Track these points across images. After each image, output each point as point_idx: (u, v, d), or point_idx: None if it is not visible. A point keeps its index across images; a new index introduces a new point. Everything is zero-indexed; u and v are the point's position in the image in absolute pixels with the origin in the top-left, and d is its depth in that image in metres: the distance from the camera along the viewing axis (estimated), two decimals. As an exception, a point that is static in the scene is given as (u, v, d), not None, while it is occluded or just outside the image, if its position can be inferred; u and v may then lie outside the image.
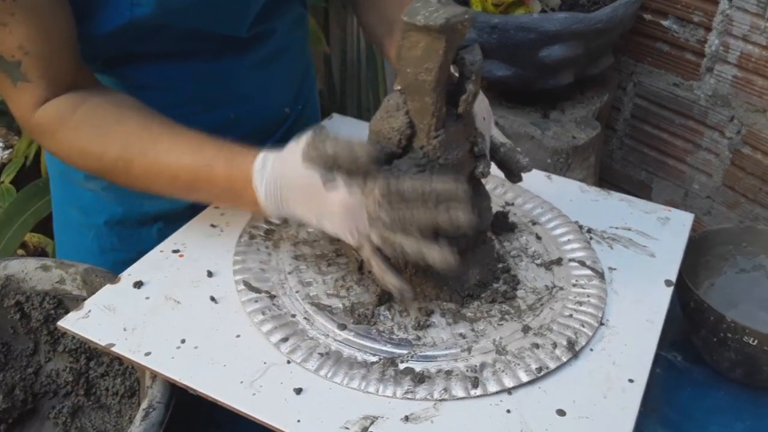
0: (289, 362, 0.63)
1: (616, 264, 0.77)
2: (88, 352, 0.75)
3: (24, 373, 0.77)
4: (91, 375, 0.76)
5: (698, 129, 1.62)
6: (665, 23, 1.59)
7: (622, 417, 0.59)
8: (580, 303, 0.71)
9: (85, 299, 0.73)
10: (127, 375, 0.74)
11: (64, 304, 0.76)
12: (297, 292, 0.71)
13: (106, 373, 0.75)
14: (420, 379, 0.62)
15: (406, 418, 0.59)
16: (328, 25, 2.34)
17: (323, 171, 0.62)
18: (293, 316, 0.68)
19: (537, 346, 0.65)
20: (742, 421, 0.76)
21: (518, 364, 0.63)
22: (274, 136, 0.98)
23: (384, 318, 0.69)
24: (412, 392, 0.61)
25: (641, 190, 1.81)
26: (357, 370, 0.63)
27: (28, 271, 0.75)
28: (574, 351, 0.65)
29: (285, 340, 0.65)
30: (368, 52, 2.20)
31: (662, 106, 1.67)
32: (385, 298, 0.70)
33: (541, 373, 0.62)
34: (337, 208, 0.63)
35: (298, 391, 0.61)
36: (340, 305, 0.70)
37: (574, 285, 0.73)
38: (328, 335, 0.66)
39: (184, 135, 0.71)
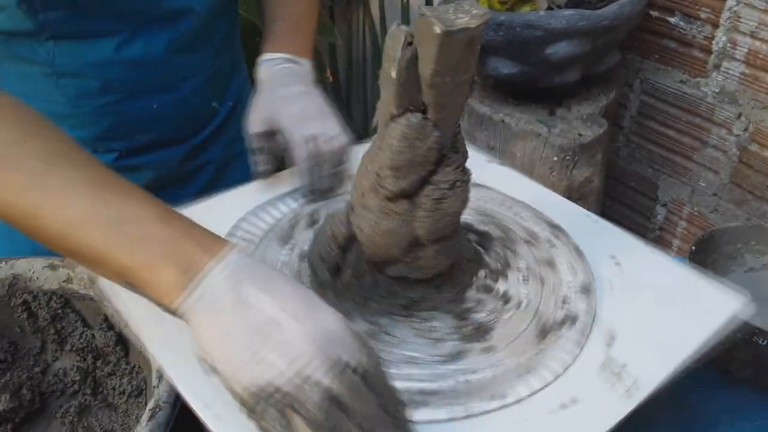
0: None
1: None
2: (95, 352, 0.75)
3: (31, 372, 0.77)
4: (98, 374, 0.75)
5: (705, 126, 1.62)
6: (672, 20, 1.58)
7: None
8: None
9: (92, 299, 0.74)
10: (134, 374, 0.74)
11: (71, 303, 0.76)
12: None
13: (113, 373, 0.75)
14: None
15: None
16: (334, 21, 2.34)
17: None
18: None
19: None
20: (751, 421, 0.76)
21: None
22: (203, 131, 0.98)
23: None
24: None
25: (648, 188, 1.81)
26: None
27: (35, 269, 0.75)
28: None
29: None
30: (374, 47, 2.20)
31: (669, 103, 1.67)
32: None
33: None
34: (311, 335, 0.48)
35: None
36: None
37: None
38: None
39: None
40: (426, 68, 0.54)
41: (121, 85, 0.86)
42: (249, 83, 1.10)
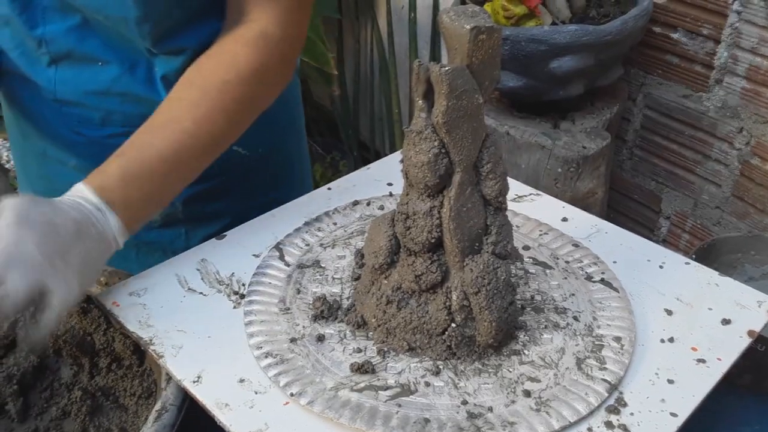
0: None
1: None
2: (112, 354, 0.77)
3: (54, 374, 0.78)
4: (111, 376, 0.77)
5: (707, 140, 1.63)
6: (674, 36, 1.60)
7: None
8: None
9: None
10: (145, 377, 0.75)
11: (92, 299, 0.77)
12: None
13: (125, 375, 0.76)
14: None
15: None
16: (342, 36, 2.37)
17: None
18: None
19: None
20: (749, 426, 0.77)
21: None
22: (218, 177, 0.92)
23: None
24: None
25: (651, 200, 1.82)
26: None
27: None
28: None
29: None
30: (381, 62, 2.23)
31: (672, 117, 1.68)
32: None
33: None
34: None
35: None
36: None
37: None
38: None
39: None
40: (469, 61, 0.59)
41: (122, 119, 0.85)
42: (295, 128, 1.05)
